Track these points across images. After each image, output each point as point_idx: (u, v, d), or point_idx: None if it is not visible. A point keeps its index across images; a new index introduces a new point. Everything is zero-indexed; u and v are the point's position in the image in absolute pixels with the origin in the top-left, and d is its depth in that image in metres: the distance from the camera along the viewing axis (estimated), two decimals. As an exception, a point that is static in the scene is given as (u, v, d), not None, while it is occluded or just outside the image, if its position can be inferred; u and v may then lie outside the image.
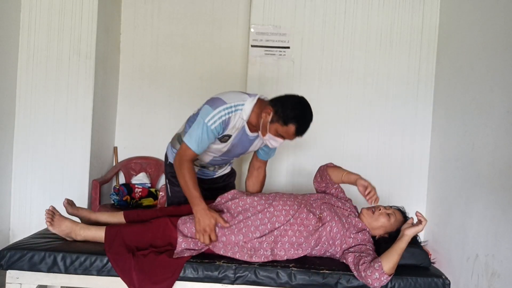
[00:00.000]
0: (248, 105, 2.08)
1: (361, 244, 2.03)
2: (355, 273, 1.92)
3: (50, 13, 3.29)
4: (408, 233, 1.91)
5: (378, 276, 1.84)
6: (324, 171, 2.29)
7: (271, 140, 2.08)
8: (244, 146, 2.24)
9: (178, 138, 2.32)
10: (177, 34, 3.78)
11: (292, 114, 1.97)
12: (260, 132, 2.10)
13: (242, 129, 2.14)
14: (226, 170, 2.54)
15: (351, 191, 2.33)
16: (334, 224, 2.04)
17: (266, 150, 2.35)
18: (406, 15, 3.33)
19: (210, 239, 1.98)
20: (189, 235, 2.01)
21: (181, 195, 2.21)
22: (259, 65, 3.34)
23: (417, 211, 1.96)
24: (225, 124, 2.06)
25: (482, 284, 2.38)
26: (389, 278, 1.87)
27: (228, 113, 2.05)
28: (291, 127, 1.98)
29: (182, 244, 1.97)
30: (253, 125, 2.12)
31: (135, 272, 1.90)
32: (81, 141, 3.32)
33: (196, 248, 2.00)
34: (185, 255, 1.96)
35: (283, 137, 2.04)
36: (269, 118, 2.02)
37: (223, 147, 2.20)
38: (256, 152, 2.39)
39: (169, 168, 2.41)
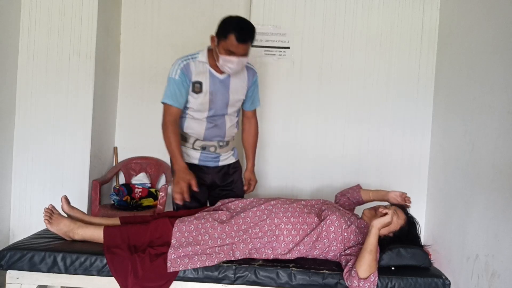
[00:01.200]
0: (203, 51, 2.30)
1: (360, 244, 2.03)
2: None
3: (50, 13, 3.29)
4: (374, 224, 1.91)
5: (357, 284, 1.82)
6: (357, 192, 2.40)
7: (226, 63, 2.19)
8: (223, 92, 2.32)
9: None
10: (177, 34, 3.78)
11: (228, 26, 2.13)
12: (217, 62, 2.22)
13: (208, 72, 2.27)
14: (229, 159, 2.52)
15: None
16: (335, 218, 2.03)
17: (249, 100, 2.48)
18: (406, 15, 3.33)
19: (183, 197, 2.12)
20: (186, 234, 2.01)
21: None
22: (259, 65, 3.34)
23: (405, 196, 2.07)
24: (186, 69, 2.23)
25: (482, 284, 2.38)
26: (372, 280, 1.82)
27: (185, 60, 2.26)
28: (231, 37, 2.11)
29: (172, 255, 1.96)
30: (217, 66, 2.26)
31: (130, 275, 1.89)
32: (81, 141, 3.32)
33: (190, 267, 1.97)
34: (180, 268, 1.94)
35: (232, 53, 2.15)
36: (215, 43, 2.20)
37: (203, 98, 2.28)
38: (242, 106, 2.51)
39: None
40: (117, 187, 3.56)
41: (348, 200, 2.41)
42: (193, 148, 2.39)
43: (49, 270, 1.94)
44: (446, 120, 3.05)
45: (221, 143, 2.44)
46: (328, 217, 2.04)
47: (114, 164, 3.78)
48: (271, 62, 3.36)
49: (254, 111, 2.57)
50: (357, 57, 3.35)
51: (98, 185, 3.35)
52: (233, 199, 2.27)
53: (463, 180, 2.70)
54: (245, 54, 2.19)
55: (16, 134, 3.31)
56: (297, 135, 3.38)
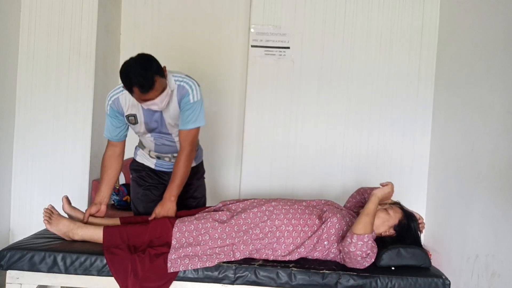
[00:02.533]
0: None
1: None
2: (345, 258, 1.95)
3: (50, 13, 3.29)
4: (374, 192, 1.99)
5: (350, 241, 1.88)
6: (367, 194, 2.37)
7: (150, 106, 2.06)
8: (159, 121, 2.21)
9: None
10: (177, 34, 3.78)
11: (127, 80, 1.96)
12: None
13: (139, 104, 2.14)
14: None
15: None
16: (335, 220, 2.03)
17: (181, 118, 2.19)
18: (406, 15, 3.33)
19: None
20: (186, 234, 2.01)
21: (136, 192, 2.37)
22: (259, 65, 3.34)
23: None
24: (116, 105, 2.18)
25: (482, 284, 2.38)
26: (366, 240, 1.86)
27: (115, 94, 2.18)
28: (136, 90, 1.96)
29: (172, 255, 1.96)
30: None
31: (130, 275, 1.89)
32: (81, 141, 3.32)
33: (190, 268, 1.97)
34: (180, 268, 1.94)
35: (148, 99, 2.01)
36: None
37: (139, 127, 2.24)
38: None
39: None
40: (117, 187, 3.56)
41: (363, 201, 2.37)
42: (150, 156, 2.40)
43: (49, 270, 1.94)
44: (446, 120, 3.05)
45: (175, 155, 2.34)
46: (329, 219, 2.04)
47: (114, 164, 3.78)
48: (271, 62, 3.36)
49: (188, 133, 2.17)
50: (357, 57, 3.35)
51: (98, 185, 3.34)
52: (234, 200, 2.26)
53: (463, 180, 2.70)
54: (162, 90, 2.03)
55: (16, 134, 3.31)
56: (297, 135, 3.37)
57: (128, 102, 2.17)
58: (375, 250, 1.94)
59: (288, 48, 3.35)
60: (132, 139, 2.45)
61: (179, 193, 2.21)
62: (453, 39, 3.05)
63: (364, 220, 1.92)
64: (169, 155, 2.38)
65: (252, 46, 3.34)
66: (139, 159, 2.44)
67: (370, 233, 1.91)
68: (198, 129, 2.21)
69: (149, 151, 2.38)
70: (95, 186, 3.34)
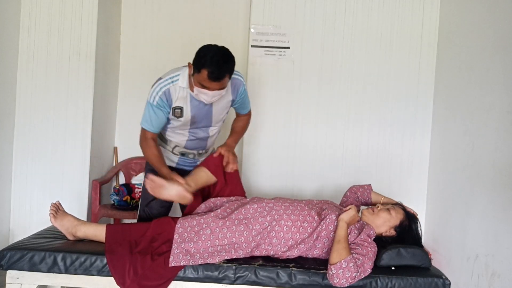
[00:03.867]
0: (183, 73, 2.15)
1: (359, 243, 2.03)
2: None
3: (50, 13, 3.29)
4: (341, 217, 1.98)
5: (330, 273, 1.86)
6: (367, 192, 2.41)
7: (200, 94, 2.09)
8: (206, 114, 2.24)
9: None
10: (177, 34, 3.77)
11: (202, 59, 1.99)
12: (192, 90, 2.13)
13: (190, 97, 2.17)
14: None
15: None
16: (334, 217, 2.04)
17: (240, 105, 2.42)
18: (406, 15, 3.32)
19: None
20: (188, 229, 2.01)
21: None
22: (259, 65, 3.34)
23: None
24: (167, 96, 2.15)
25: (482, 284, 2.38)
26: (341, 265, 1.83)
27: (165, 85, 2.15)
28: (204, 72, 1.99)
29: (175, 250, 1.96)
30: None
31: (128, 273, 1.90)
32: (81, 141, 3.32)
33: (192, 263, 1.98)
34: (182, 263, 1.94)
35: (206, 87, 2.04)
36: (191, 71, 2.07)
37: (184, 120, 2.23)
38: (235, 110, 2.47)
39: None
40: (117, 187, 3.56)
41: (357, 200, 2.40)
42: (172, 153, 2.39)
43: (49, 270, 1.95)
44: (446, 120, 3.05)
45: (200, 151, 2.43)
46: (328, 216, 2.04)
47: (114, 164, 3.78)
48: (271, 62, 3.36)
49: (248, 114, 2.55)
50: (357, 57, 3.35)
51: (98, 185, 3.35)
52: (233, 198, 2.27)
53: (463, 180, 2.70)
54: (221, 88, 2.07)
55: (16, 134, 3.30)
56: (297, 135, 3.37)
57: (177, 94, 2.17)
58: (362, 268, 1.90)
59: (288, 48, 3.35)
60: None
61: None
62: (453, 39, 3.05)
63: (336, 247, 1.89)
64: (195, 152, 2.40)
65: (252, 46, 3.34)
66: None
67: (346, 256, 1.87)
68: None
69: (174, 147, 2.37)
70: (95, 186, 3.34)
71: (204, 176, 2.17)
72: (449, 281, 1.98)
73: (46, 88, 3.31)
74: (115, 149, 3.81)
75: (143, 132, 2.27)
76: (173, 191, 2.04)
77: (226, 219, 2.05)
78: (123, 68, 3.81)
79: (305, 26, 3.35)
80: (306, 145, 3.37)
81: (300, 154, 3.37)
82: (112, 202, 3.50)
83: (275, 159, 3.38)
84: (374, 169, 3.34)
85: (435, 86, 3.29)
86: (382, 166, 3.35)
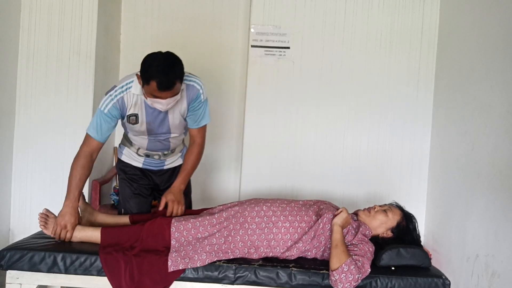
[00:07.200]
0: (135, 82, 2.10)
1: (357, 243, 2.03)
2: None
3: (50, 13, 3.29)
4: (335, 221, 1.97)
5: (333, 279, 1.86)
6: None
7: (155, 104, 2.03)
8: (161, 121, 2.18)
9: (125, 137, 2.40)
10: (177, 34, 3.77)
11: (149, 70, 1.94)
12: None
13: (144, 103, 2.13)
14: (176, 161, 2.46)
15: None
16: (331, 216, 2.04)
17: (190, 118, 2.24)
18: (406, 15, 3.32)
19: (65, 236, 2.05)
20: (185, 233, 2.01)
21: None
22: (259, 65, 3.34)
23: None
24: (120, 105, 2.11)
25: (482, 284, 2.38)
26: (343, 269, 1.83)
27: (119, 93, 2.11)
28: (153, 84, 1.93)
29: (173, 254, 1.96)
30: None
31: (124, 276, 1.89)
32: (81, 141, 3.29)
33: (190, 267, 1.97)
34: (180, 267, 1.94)
35: (158, 97, 1.98)
36: (141, 82, 2.02)
37: (140, 127, 2.19)
38: (187, 124, 2.31)
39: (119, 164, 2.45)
40: (117, 187, 3.56)
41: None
42: (137, 154, 2.37)
43: (49, 270, 1.95)
44: (446, 120, 3.05)
45: (166, 152, 2.38)
46: (325, 214, 2.05)
47: (114, 164, 3.78)
48: (271, 62, 3.36)
49: (200, 130, 2.28)
50: (357, 57, 3.34)
51: (98, 185, 3.35)
52: (229, 203, 2.26)
53: (463, 180, 2.70)
54: (174, 95, 2.00)
55: (16, 134, 3.31)
56: (297, 135, 3.37)
57: (131, 101, 2.13)
58: (363, 269, 1.90)
59: (288, 48, 3.35)
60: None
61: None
62: (453, 39, 3.05)
63: (335, 252, 1.89)
64: (160, 153, 2.37)
65: (252, 46, 3.34)
66: (125, 158, 2.42)
67: (346, 260, 1.87)
68: (206, 125, 2.30)
69: (138, 149, 2.35)
70: (95, 186, 3.35)
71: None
72: (449, 281, 1.98)
73: (46, 88, 3.31)
74: (115, 149, 3.81)
75: (87, 139, 2.17)
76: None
77: (223, 218, 2.05)
78: (123, 68, 3.81)
79: (305, 26, 3.34)
80: (306, 145, 3.37)
81: (300, 154, 3.37)
82: (112, 202, 3.50)
83: (275, 159, 3.38)
84: (374, 169, 3.34)
85: (435, 86, 3.29)
86: (382, 166, 3.35)
